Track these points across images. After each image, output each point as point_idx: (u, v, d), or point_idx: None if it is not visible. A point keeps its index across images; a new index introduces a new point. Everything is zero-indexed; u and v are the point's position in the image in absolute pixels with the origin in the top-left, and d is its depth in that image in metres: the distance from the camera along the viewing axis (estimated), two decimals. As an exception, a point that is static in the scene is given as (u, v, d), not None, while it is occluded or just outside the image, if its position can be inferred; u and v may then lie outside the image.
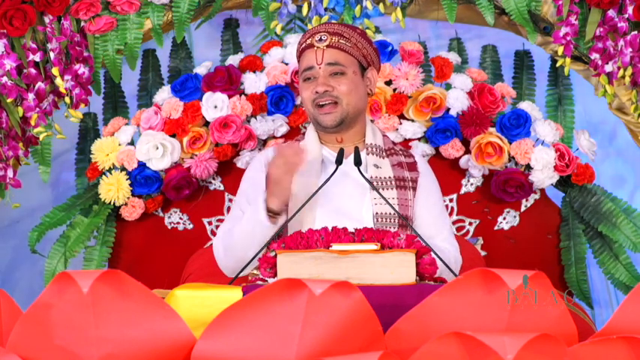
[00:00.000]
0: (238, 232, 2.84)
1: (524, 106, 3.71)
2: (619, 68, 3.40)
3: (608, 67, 3.44)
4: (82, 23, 3.46)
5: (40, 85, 3.36)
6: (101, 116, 3.93)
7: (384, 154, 3.00)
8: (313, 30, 2.99)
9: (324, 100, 2.91)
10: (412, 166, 3.03)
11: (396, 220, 2.91)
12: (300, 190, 2.85)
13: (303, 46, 2.98)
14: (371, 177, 2.91)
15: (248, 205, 2.90)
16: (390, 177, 2.96)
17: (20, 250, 3.84)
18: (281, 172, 2.79)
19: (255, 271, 2.63)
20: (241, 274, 2.64)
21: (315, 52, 2.93)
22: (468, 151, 3.64)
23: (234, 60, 3.73)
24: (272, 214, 2.80)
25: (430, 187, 3.04)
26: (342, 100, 2.92)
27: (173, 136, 3.62)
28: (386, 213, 2.90)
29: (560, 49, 3.47)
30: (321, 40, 2.93)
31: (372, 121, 3.48)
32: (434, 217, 3.00)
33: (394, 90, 3.66)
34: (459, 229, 3.69)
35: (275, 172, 2.80)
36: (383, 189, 2.91)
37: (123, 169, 3.62)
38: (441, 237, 2.96)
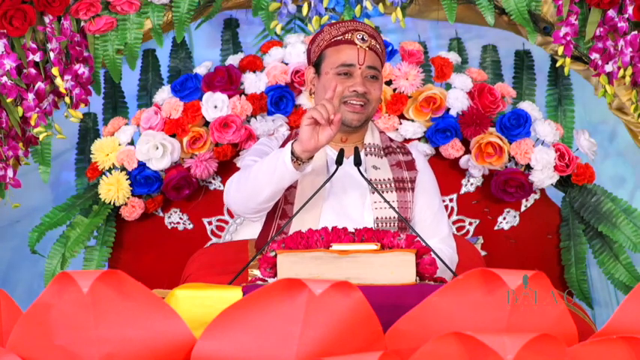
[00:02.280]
0: (257, 168, 2.78)
1: (524, 106, 3.71)
2: (619, 68, 3.40)
3: (608, 67, 3.44)
4: (82, 23, 3.46)
5: (40, 85, 3.36)
6: (101, 116, 3.93)
7: (382, 152, 2.99)
8: (351, 26, 2.93)
9: (358, 101, 2.90)
10: (410, 165, 3.01)
11: (397, 224, 2.90)
12: (307, 188, 2.85)
13: (340, 39, 2.91)
14: (370, 179, 2.90)
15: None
16: (389, 179, 2.95)
17: (20, 250, 3.84)
18: (312, 122, 2.73)
19: (255, 271, 2.62)
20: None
21: (358, 51, 2.89)
22: (468, 151, 3.64)
23: (234, 60, 3.73)
24: (295, 158, 2.73)
25: (429, 186, 3.02)
26: (370, 104, 2.91)
27: (173, 136, 3.62)
28: (386, 217, 2.89)
29: (560, 49, 3.47)
30: (363, 39, 2.91)
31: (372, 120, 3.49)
32: (432, 217, 2.99)
33: (394, 90, 3.66)
34: (459, 229, 3.69)
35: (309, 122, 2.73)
36: (383, 192, 2.90)
37: (123, 169, 3.62)
38: (439, 237, 2.95)
